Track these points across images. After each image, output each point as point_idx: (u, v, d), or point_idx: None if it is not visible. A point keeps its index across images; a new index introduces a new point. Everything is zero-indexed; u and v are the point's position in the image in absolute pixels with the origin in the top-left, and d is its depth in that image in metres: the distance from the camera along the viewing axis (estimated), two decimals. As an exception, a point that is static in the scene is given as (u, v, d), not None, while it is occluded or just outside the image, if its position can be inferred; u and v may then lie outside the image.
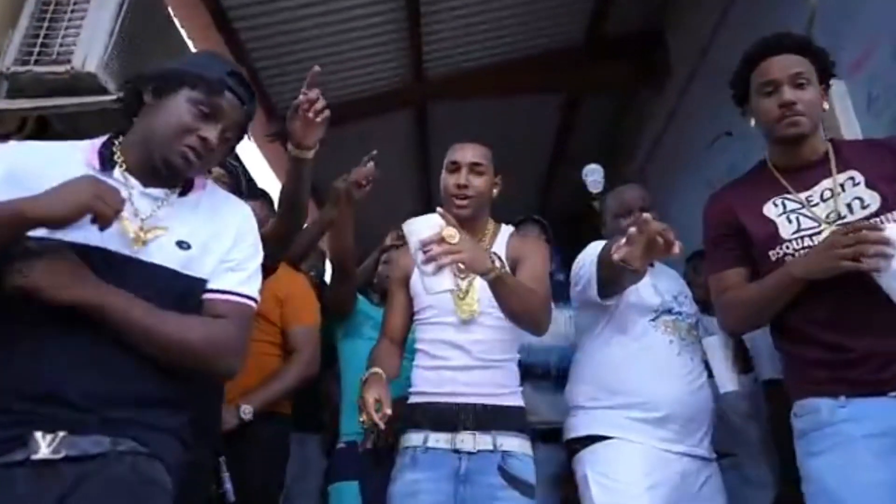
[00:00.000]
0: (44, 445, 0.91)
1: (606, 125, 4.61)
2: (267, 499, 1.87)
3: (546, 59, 3.77)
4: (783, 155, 1.46)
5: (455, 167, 1.62)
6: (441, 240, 1.27)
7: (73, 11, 1.88)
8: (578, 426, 1.66)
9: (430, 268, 1.27)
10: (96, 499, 0.91)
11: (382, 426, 1.31)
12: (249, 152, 3.72)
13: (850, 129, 1.88)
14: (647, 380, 1.62)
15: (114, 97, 1.87)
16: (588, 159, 4.96)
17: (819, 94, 1.44)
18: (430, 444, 1.40)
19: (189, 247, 1.06)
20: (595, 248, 1.66)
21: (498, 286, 1.39)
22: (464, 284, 1.50)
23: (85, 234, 0.95)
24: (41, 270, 0.93)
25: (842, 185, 1.38)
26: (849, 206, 1.35)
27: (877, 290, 1.19)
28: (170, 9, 2.28)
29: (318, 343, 2.00)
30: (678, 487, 1.58)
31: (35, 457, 0.90)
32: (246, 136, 1.20)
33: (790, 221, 1.35)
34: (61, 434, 0.92)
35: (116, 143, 1.10)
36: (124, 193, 1.00)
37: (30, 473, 0.90)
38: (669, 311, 1.71)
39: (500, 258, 1.54)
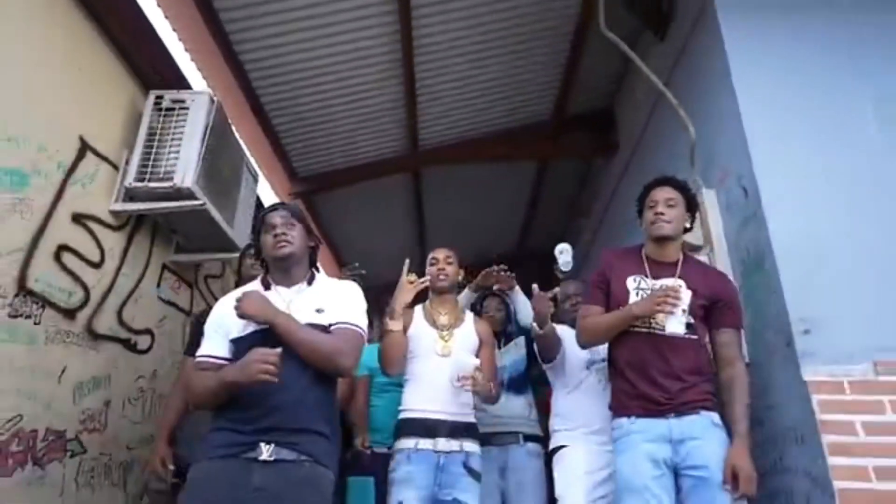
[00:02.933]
0: (265, 451, 1.63)
1: (571, 187, 5.42)
2: None
3: (520, 133, 4.58)
4: (652, 249, 2.25)
5: (435, 261, 2.51)
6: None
7: (172, 140, 2.67)
8: (551, 443, 2.49)
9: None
10: (287, 489, 1.60)
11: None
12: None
13: (715, 222, 2.69)
14: (586, 408, 2.43)
15: (200, 202, 2.68)
16: (557, 213, 5.82)
17: (683, 215, 2.24)
18: (420, 446, 2.20)
19: (322, 311, 1.82)
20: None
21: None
22: (445, 334, 2.37)
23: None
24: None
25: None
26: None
27: (659, 346, 1.98)
28: (233, 127, 3.09)
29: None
30: (607, 466, 2.38)
31: (260, 458, 1.61)
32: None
33: (637, 296, 2.13)
34: (273, 446, 1.63)
35: (268, 276, 1.91)
36: (277, 297, 1.83)
37: (259, 467, 1.61)
38: (600, 360, 2.52)
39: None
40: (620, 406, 2.11)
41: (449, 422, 2.23)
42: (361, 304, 1.92)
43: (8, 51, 2.12)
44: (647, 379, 2.03)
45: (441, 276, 2.49)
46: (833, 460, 1.96)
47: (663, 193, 2.21)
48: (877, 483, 1.93)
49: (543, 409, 2.71)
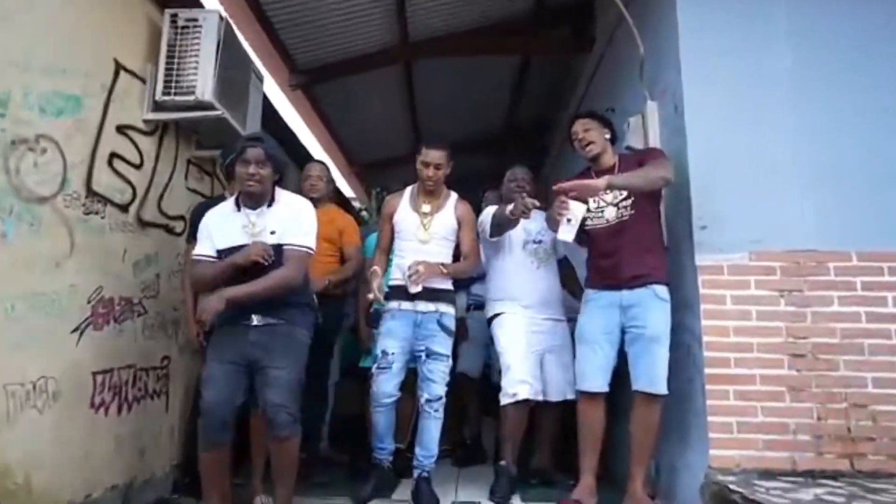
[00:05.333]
0: (256, 319, 2.43)
1: (550, 81, 5.75)
2: (328, 332, 3.45)
3: (502, 27, 4.87)
4: (593, 164, 2.85)
5: (426, 164, 2.99)
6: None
7: (189, 56, 3.09)
8: (489, 311, 3.20)
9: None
10: (272, 341, 2.45)
11: (382, 298, 2.80)
12: (279, 100, 4.93)
13: (654, 132, 3.20)
14: (520, 283, 3.10)
15: (219, 111, 3.17)
16: (541, 103, 6.21)
17: (601, 131, 2.86)
18: (402, 307, 2.89)
19: (275, 232, 2.49)
20: (489, 210, 3.09)
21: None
22: (426, 220, 2.95)
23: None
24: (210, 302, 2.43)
25: None
26: (615, 195, 2.75)
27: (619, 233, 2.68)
28: (240, 35, 3.47)
29: (361, 255, 3.55)
30: (543, 335, 3.11)
31: (253, 324, 2.44)
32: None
33: (593, 203, 2.77)
34: (261, 315, 2.44)
35: (240, 196, 2.53)
36: (245, 218, 2.52)
37: (253, 329, 2.44)
38: (534, 242, 3.15)
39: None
40: (587, 280, 2.87)
41: (427, 288, 2.86)
42: (309, 224, 2.57)
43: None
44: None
45: (430, 183, 2.99)
46: (706, 322, 2.67)
47: (579, 125, 2.85)
48: (734, 337, 2.65)
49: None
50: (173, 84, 3.07)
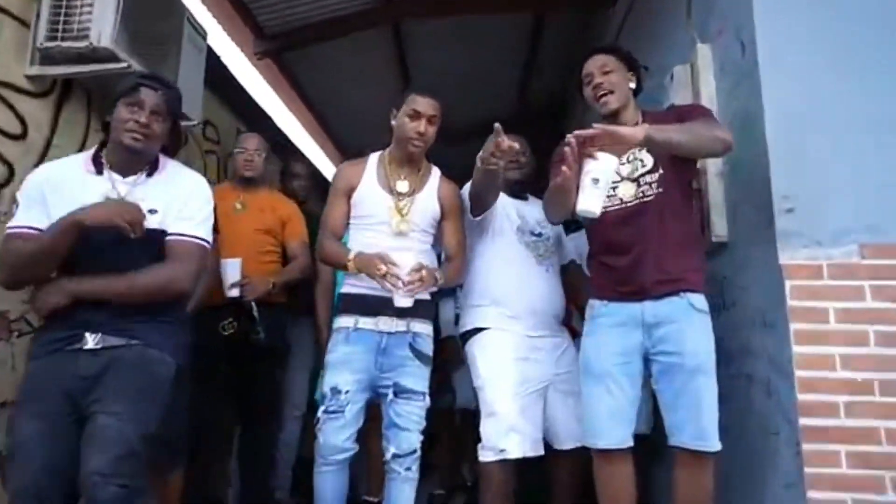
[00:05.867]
0: (91, 340, 1.60)
1: (568, 41, 4.90)
2: (274, 354, 2.72)
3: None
4: (609, 124, 1.98)
5: (417, 115, 2.09)
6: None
7: (84, -4, 2.32)
8: (465, 323, 2.33)
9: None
10: (110, 372, 1.61)
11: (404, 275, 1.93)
12: (246, 71, 4.17)
13: (706, 83, 2.36)
14: (510, 284, 2.26)
15: (125, 64, 2.39)
16: (556, 71, 5.34)
17: (625, 76, 2.00)
18: (360, 325, 2.06)
19: (156, 212, 1.67)
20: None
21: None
22: (403, 203, 2.07)
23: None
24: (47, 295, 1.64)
25: (638, 150, 1.94)
26: (635, 167, 1.93)
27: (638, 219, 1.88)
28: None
29: (310, 252, 2.71)
30: (542, 360, 2.27)
31: (86, 347, 1.61)
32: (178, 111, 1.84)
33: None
34: (99, 335, 1.60)
35: (103, 152, 1.71)
36: (109, 186, 1.67)
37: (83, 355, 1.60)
38: (532, 234, 2.31)
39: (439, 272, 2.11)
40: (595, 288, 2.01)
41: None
42: (203, 207, 1.77)
43: None
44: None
45: (417, 143, 2.11)
46: (799, 348, 1.82)
47: (595, 64, 1.98)
48: (842, 371, 1.80)
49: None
50: (61, 25, 2.30)
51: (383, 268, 1.89)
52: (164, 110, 1.72)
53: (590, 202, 1.70)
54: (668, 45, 2.80)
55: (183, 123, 2.81)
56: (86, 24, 2.29)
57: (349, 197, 2.15)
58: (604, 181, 1.71)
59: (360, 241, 2.11)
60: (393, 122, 2.17)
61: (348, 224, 2.18)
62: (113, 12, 2.30)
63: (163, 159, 1.85)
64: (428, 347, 2.11)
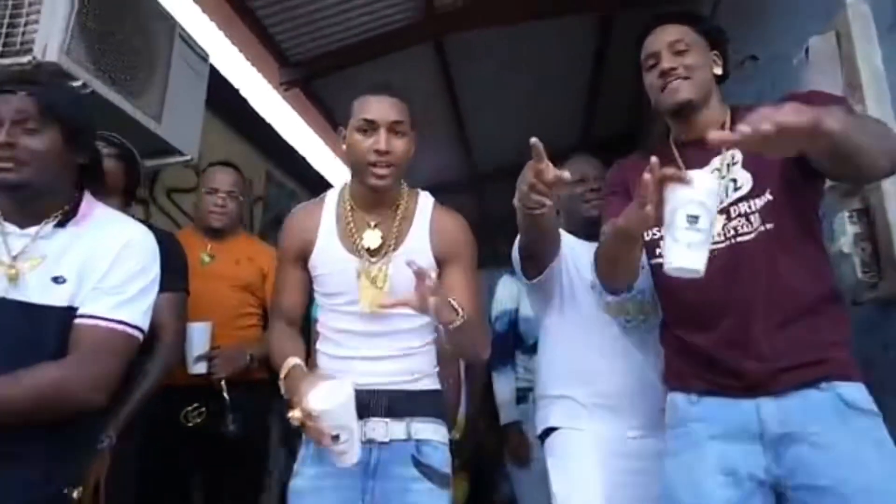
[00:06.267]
0: None
1: (637, 63, 4.21)
2: (255, 446, 2.12)
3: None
4: (678, 129, 1.36)
5: (370, 126, 1.35)
6: None
7: (30, 4, 1.90)
8: (540, 419, 1.70)
9: None
10: None
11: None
12: (274, 102, 3.77)
13: (865, 55, 1.63)
14: (591, 364, 1.57)
15: (79, 83, 1.93)
16: (628, 78, 4.61)
17: (707, 57, 1.33)
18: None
19: (63, 280, 1.11)
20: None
21: (454, 332, 1.24)
22: (375, 268, 1.39)
23: None
24: None
25: (728, 166, 1.25)
26: (725, 189, 1.24)
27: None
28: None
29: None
30: (638, 470, 1.53)
31: None
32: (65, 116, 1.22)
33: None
34: None
35: None
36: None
37: None
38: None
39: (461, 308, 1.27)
40: (673, 376, 1.27)
41: (387, 392, 1.36)
42: (136, 277, 1.20)
43: None
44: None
45: (382, 169, 1.36)
46: None
47: (662, 37, 1.33)
48: None
49: None
50: (1, 38, 1.87)
51: (297, 415, 1.15)
52: (32, 114, 1.17)
53: (688, 254, 1.02)
54: (785, 25, 2.10)
55: (172, 160, 2.39)
56: (31, 35, 1.85)
57: (305, 260, 1.44)
58: (706, 218, 1.02)
59: (331, 325, 1.43)
60: (343, 147, 1.44)
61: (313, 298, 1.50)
62: (63, 19, 1.86)
63: (88, 203, 1.30)
64: (441, 460, 1.38)
